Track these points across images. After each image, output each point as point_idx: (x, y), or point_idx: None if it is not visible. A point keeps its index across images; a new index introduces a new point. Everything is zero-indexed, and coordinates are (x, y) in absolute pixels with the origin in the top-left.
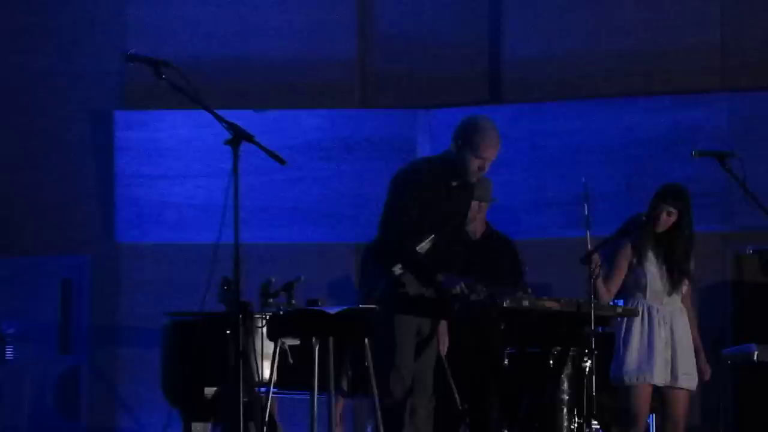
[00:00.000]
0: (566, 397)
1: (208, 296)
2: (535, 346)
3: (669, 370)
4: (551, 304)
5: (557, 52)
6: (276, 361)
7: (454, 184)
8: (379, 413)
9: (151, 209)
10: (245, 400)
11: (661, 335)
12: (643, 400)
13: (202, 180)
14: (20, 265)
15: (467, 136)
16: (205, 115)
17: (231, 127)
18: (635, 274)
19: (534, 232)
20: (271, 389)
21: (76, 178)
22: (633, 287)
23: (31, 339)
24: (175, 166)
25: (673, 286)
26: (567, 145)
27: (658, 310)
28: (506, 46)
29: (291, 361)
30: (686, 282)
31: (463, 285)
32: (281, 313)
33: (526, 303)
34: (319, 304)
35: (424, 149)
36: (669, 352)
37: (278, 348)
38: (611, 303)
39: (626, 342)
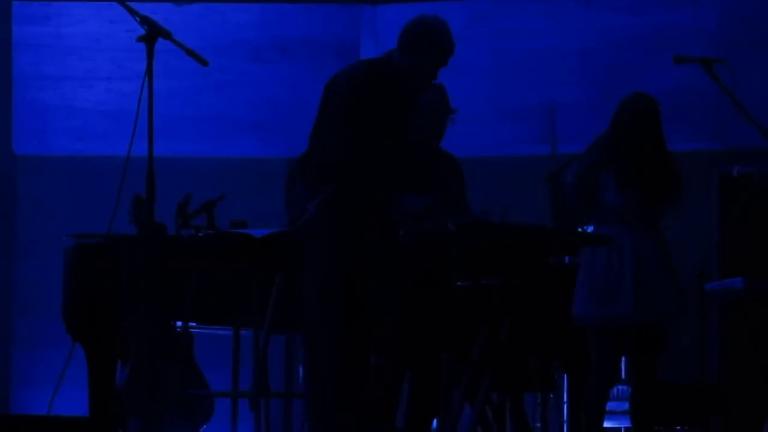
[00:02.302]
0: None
1: (117, 216)
2: (491, 279)
3: (639, 306)
4: (510, 229)
5: None
6: (195, 291)
7: (398, 92)
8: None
9: (54, 116)
10: (158, 335)
11: (630, 267)
12: (604, 342)
13: (112, 83)
14: None
15: (417, 38)
16: (116, 8)
17: (145, 21)
18: (607, 197)
19: (494, 148)
20: (189, 324)
21: None
22: (604, 212)
23: None
24: (82, 66)
25: (649, 210)
26: (533, 48)
27: (630, 238)
28: None
29: None
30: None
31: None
32: (200, 236)
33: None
34: (245, 226)
35: (368, 51)
36: (641, 286)
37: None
38: (579, 229)
39: (590, 274)
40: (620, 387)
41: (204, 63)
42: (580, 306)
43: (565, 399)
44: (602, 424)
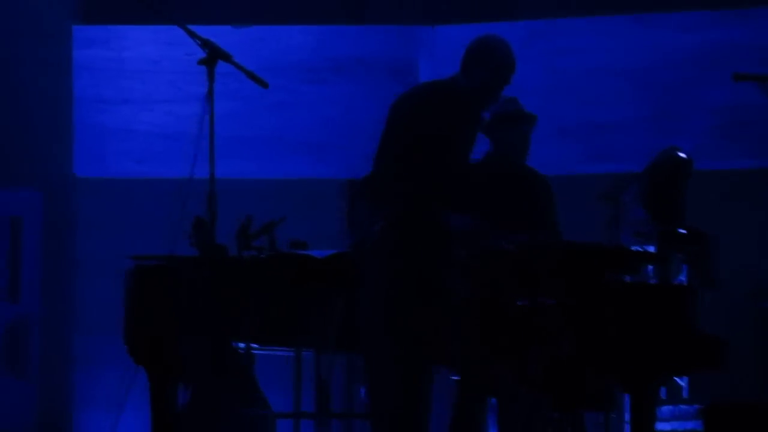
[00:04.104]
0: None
1: (178, 238)
2: (549, 298)
3: None
4: (566, 248)
5: None
6: (256, 313)
7: (462, 113)
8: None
9: (114, 139)
10: (219, 356)
11: None
12: None
13: (171, 105)
14: None
15: (480, 58)
16: (175, 31)
17: (206, 44)
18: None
19: (548, 167)
20: (251, 345)
21: (28, 103)
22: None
23: None
24: (141, 89)
25: None
26: (588, 67)
27: None
28: None
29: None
30: None
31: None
32: (261, 257)
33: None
34: (305, 248)
35: (426, 72)
36: None
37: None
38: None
39: None
40: (682, 407)
41: (264, 85)
42: None
43: (626, 418)
44: None
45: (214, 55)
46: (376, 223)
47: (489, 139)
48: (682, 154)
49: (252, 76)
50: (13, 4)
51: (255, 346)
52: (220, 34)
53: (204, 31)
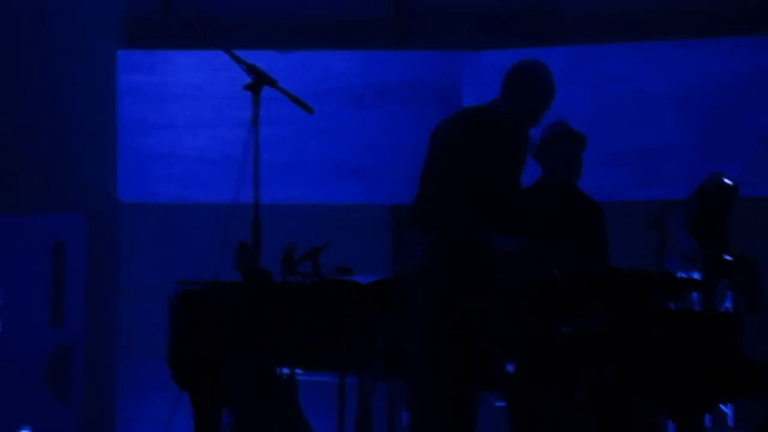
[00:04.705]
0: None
1: (222, 263)
2: (594, 323)
3: None
4: (612, 274)
5: None
6: (300, 338)
7: (503, 137)
8: (415, 402)
9: (158, 163)
10: (263, 382)
11: None
12: None
13: (216, 130)
14: (7, 225)
15: (519, 83)
16: (220, 57)
17: (251, 70)
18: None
19: (595, 193)
20: (295, 370)
21: (72, 127)
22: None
23: (19, 310)
24: (186, 114)
25: None
26: (634, 92)
27: None
28: None
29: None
30: None
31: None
32: (306, 282)
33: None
34: (350, 273)
35: (470, 96)
36: None
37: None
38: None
39: None
40: None
41: (309, 110)
42: None
43: None
44: None
45: (259, 80)
46: (419, 248)
47: (539, 164)
48: (728, 181)
49: (297, 101)
50: (59, 29)
51: (299, 371)
52: (264, 59)
53: (249, 55)
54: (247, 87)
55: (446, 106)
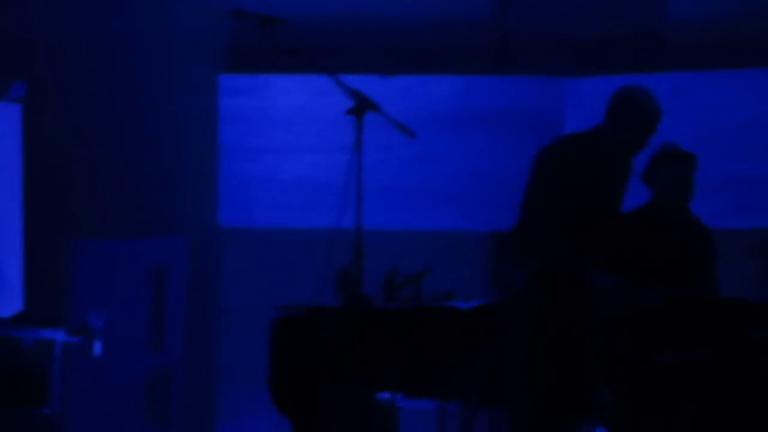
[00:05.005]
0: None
1: (323, 288)
2: (695, 354)
3: None
4: (713, 303)
5: (728, 12)
6: (401, 363)
7: (606, 164)
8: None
9: (259, 188)
10: (362, 407)
11: None
12: None
13: (317, 155)
14: (110, 249)
15: (623, 109)
16: (320, 81)
17: (355, 94)
18: None
19: None
20: (395, 396)
21: (173, 152)
22: None
23: (119, 333)
24: (287, 138)
25: None
26: (736, 120)
27: None
28: (669, 5)
29: None
30: None
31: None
32: (407, 307)
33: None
34: (452, 298)
35: (572, 122)
36: None
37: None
38: None
39: None
40: None
41: (412, 135)
42: None
43: None
44: None
45: (362, 104)
46: (520, 276)
47: (648, 186)
48: None
49: (400, 127)
50: (161, 56)
51: (399, 396)
52: (364, 84)
53: (349, 80)
54: (351, 111)
55: (547, 131)
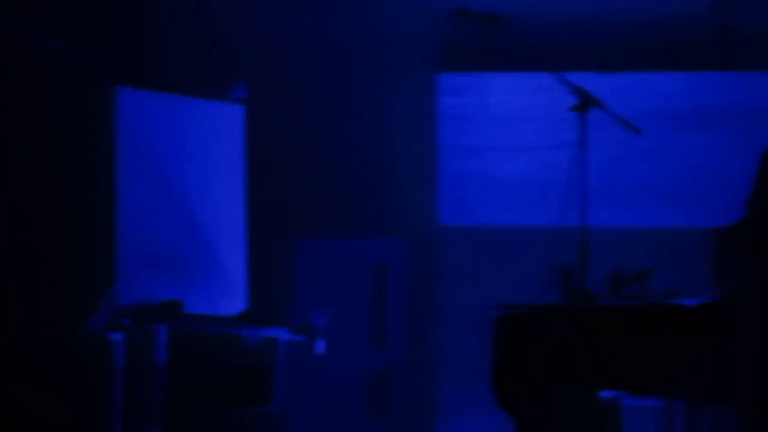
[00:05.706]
0: None
1: (546, 286)
2: None
3: None
4: None
5: None
6: (625, 361)
7: None
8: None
9: (478, 187)
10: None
11: None
12: None
13: (537, 153)
14: (330, 249)
15: None
16: (539, 78)
17: (578, 91)
18: None
19: None
20: (619, 394)
21: (391, 152)
22: None
23: (341, 332)
24: (506, 136)
25: None
26: None
27: None
28: None
29: None
30: None
31: None
32: (632, 305)
33: None
34: (677, 296)
35: None
36: None
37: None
38: None
39: None
40: None
41: (637, 132)
42: None
43: None
44: None
45: (586, 102)
46: (748, 273)
47: None
48: None
49: (625, 123)
50: (379, 56)
51: (622, 395)
52: (584, 81)
53: (569, 77)
54: (575, 108)
55: None
